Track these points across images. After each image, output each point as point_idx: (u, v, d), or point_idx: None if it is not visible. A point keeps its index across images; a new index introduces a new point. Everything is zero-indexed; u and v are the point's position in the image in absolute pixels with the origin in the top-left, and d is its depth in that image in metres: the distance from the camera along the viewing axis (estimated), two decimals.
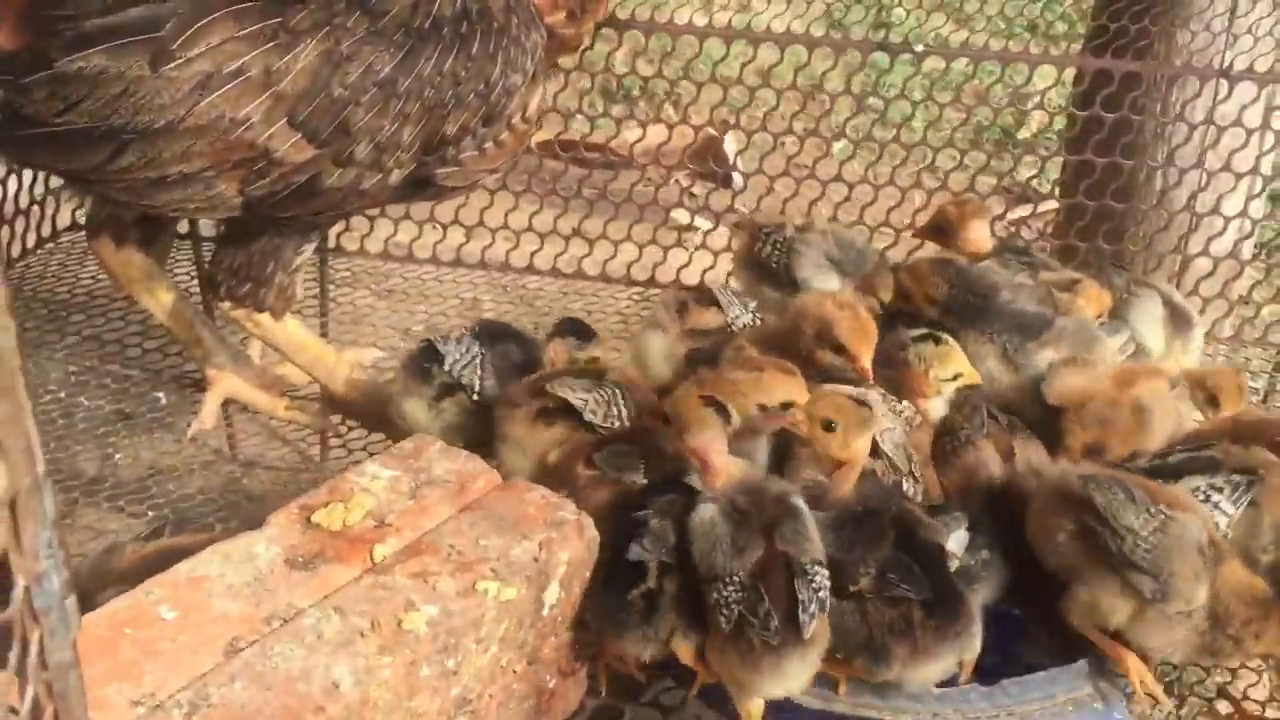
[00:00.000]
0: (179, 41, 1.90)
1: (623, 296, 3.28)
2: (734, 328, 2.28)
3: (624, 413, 2.04)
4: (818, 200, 3.21)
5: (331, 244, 3.25)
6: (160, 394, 2.63)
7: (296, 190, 2.07)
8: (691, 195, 3.95)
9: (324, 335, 3.11)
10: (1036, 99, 3.34)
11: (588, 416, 2.02)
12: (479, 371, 2.17)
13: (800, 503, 1.77)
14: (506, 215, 3.29)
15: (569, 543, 1.75)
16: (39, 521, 0.82)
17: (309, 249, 2.31)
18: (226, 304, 2.29)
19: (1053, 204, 4.16)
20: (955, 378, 2.05)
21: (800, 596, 1.65)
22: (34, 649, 0.84)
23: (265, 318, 2.30)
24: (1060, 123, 4.06)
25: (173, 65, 1.90)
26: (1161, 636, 1.81)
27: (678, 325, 2.31)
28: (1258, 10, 3.10)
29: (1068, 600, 1.84)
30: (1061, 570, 1.84)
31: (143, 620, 1.51)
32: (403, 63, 2.01)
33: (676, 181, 3.74)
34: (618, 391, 2.07)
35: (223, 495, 2.42)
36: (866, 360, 2.04)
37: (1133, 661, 1.83)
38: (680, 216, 3.81)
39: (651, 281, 3.29)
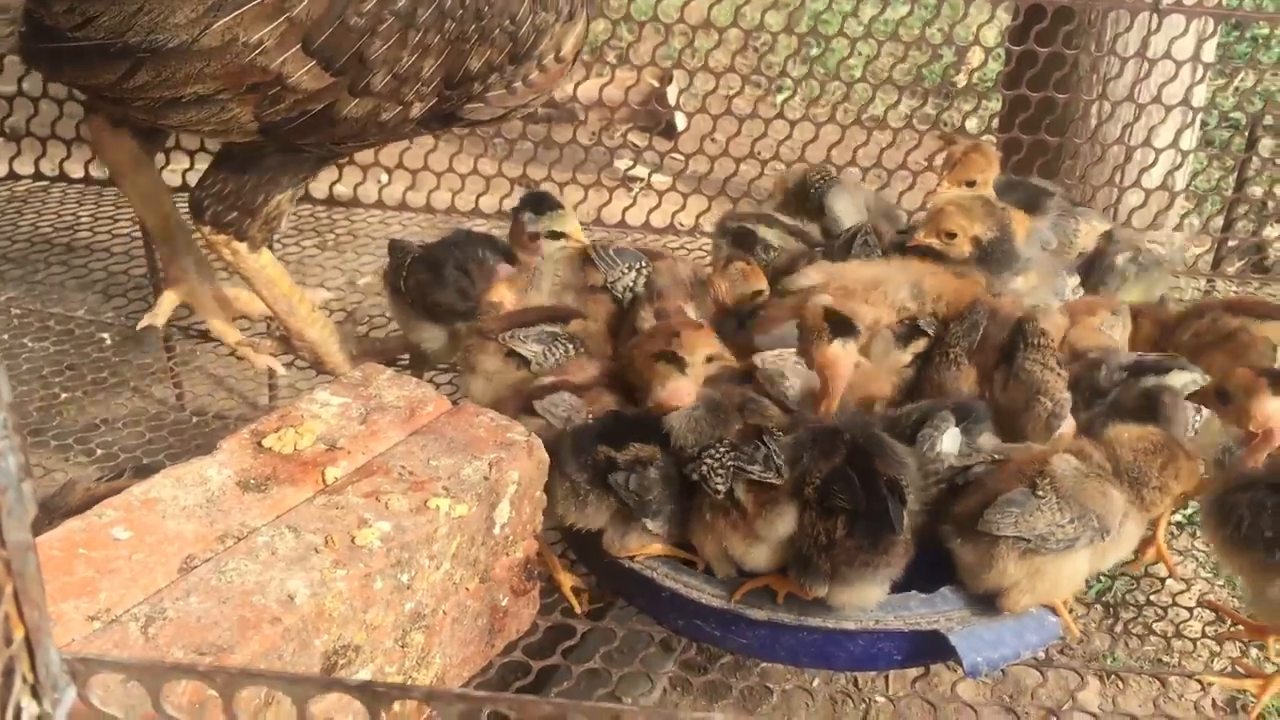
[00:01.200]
0: None
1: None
2: (614, 288, 2.33)
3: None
4: (760, 139, 3.24)
5: None
6: (105, 335, 2.62)
7: (314, 118, 2.06)
8: (634, 145, 3.96)
9: None
10: (971, 38, 3.38)
11: (535, 369, 2.10)
12: (403, 272, 2.40)
13: (755, 394, 1.96)
14: (451, 160, 3.29)
15: (519, 462, 1.78)
16: None
17: (304, 184, 2.30)
18: (208, 229, 2.26)
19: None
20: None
21: (771, 448, 1.81)
22: None
23: (243, 246, 2.28)
24: (994, 67, 4.12)
25: None
26: (1119, 551, 1.91)
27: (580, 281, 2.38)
28: None
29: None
30: (1010, 584, 1.86)
31: (97, 541, 1.52)
32: None
33: (620, 135, 3.75)
34: (570, 346, 2.15)
35: (171, 435, 2.41)
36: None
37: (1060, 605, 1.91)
38: (622, 163, 3.83)
39: (597, 222, 3.30)
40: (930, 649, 1.87)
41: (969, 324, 2.12)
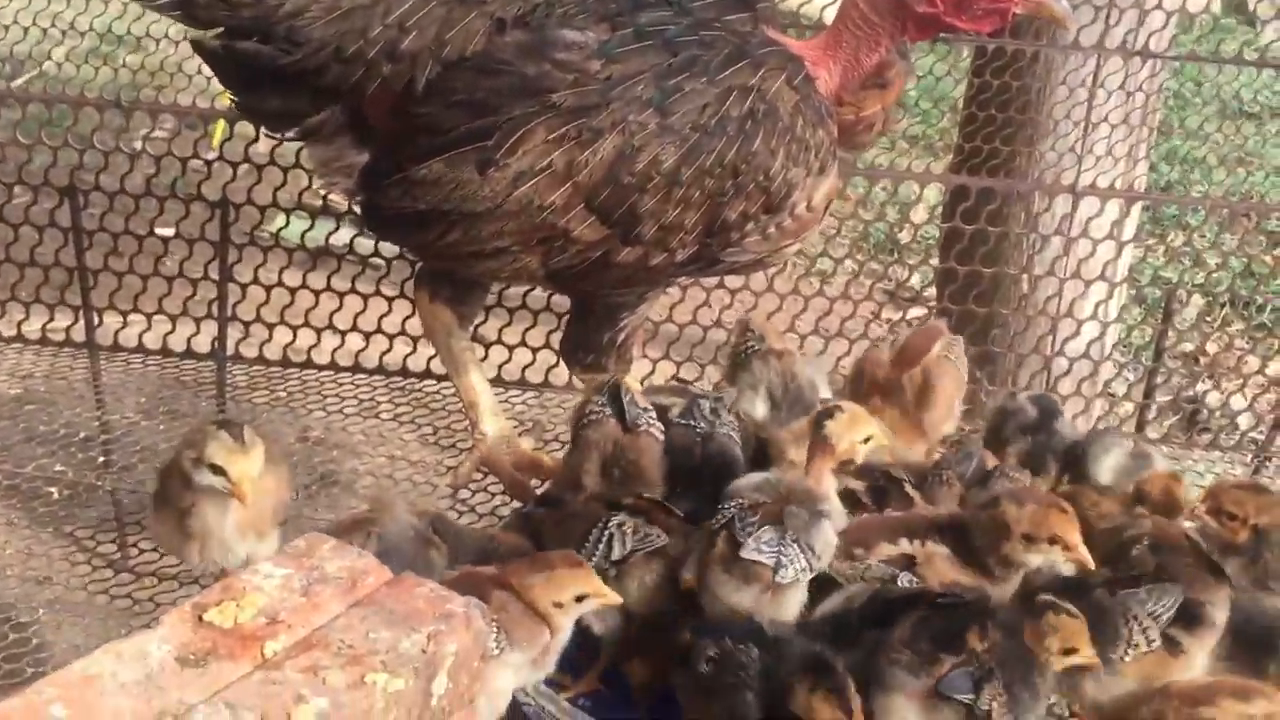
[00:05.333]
0: (501, 150, 2.25)
1: (518, 400, 3.37)
2: None
3: None
4: (727, 308, 3.38)
5: (230, 351, 3.32)
6: (52, 490, 2.64)
7: (591, 264, 2.38)
8: None
9: None
10: (914, 202, 3.58)
11: None
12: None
13: None
14: (404, 321, 3.38)
15: (456, 634, 1.82)
16: None
17: (631, 320, 2.57)
18: (577, 371, 2.62)
19: (919, 310, 4.42)
20: (868, 440, 2.23)
21: None
22: None
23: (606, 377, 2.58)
24: (933, 230, 4.32)
25: (495, 169, 2.27)
26: None
27: None
28: (1101, 130, 3.37)
29: None
30: None
31: (34, 719, 1.54)
32: (686, 155, 2.26)
33: None
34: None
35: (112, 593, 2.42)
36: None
37: None
38: None
39: (545, 384, 3.39)
40: None
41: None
